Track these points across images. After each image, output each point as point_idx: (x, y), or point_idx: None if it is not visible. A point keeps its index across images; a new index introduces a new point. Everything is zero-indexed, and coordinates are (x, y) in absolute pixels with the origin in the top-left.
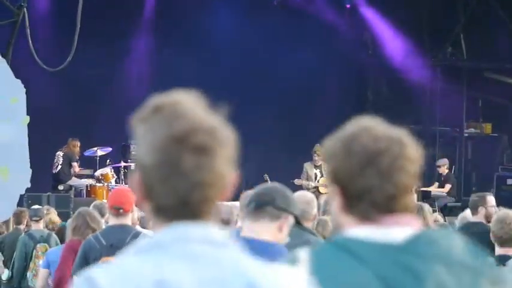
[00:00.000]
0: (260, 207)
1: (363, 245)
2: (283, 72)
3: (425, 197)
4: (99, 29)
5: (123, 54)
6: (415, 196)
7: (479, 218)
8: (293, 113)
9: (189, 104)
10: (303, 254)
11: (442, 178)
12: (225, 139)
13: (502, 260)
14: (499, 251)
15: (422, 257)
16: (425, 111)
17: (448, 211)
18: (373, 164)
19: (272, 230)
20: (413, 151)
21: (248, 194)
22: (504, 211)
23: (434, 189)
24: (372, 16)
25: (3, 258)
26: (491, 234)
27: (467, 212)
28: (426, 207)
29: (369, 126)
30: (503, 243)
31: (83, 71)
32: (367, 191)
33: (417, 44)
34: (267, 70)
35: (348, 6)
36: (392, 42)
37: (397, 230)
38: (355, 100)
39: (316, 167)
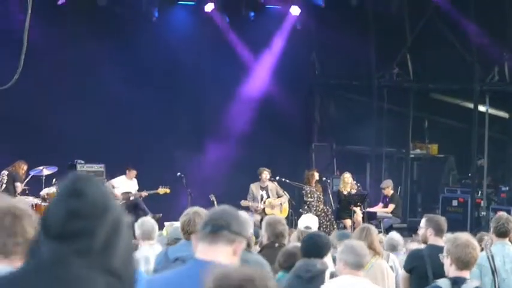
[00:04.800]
0: (216, 232)
1: None
2: (228, 92)
3: (370, 218)
4: (47, 45)
5: (71, 73)
6: (360, 217)
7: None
8: (239, 134)
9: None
10: None
11: (387, 199)
12: None
13: (459, 282)
14: (456, 273)
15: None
16: (371, 131)
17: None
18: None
19: (227, 254)
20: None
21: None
22: (463, 236)
23: (379, 209)
24: (319, 36)
25: None
26: (451, 257)
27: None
28: (372, 228)
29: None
30: (465, 266)
31: (29, 89)
32: None
33: (364, 65)
34: (209, 91)
35: (299, 27)
36: (339, 63)
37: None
38: (302, 121)
39: (262, 188)
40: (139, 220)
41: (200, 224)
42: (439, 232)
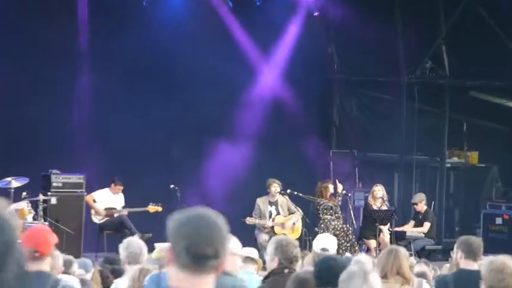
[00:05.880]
0: (202, 264)
1: None
2: (231, 91)
3: (399, 238)
4: (16, 35)
5: (45, 68)
6: (387, 238)
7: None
8: (244, 139)
9: None
10: None
11: (420, 216)
12: None
13: None
14: None
15: None
16: (400, 136)
17: (426, 255)
18: None
19: (210, 282)
20: None
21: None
22: (499, 259)
23: (409, 228)
24: (338, 24)
25: None
26: (485, 285)
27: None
28: (402, 250)
29: None
30: None
31: None
32: None
33: (391, 58)
34: (209, 89)
35: (316, 14)
36: (362, 56)
37: None
38: (318, 124)
39: (271, 203)
40: (125, 241)
41: (177, 243)
42: (470, 254)
